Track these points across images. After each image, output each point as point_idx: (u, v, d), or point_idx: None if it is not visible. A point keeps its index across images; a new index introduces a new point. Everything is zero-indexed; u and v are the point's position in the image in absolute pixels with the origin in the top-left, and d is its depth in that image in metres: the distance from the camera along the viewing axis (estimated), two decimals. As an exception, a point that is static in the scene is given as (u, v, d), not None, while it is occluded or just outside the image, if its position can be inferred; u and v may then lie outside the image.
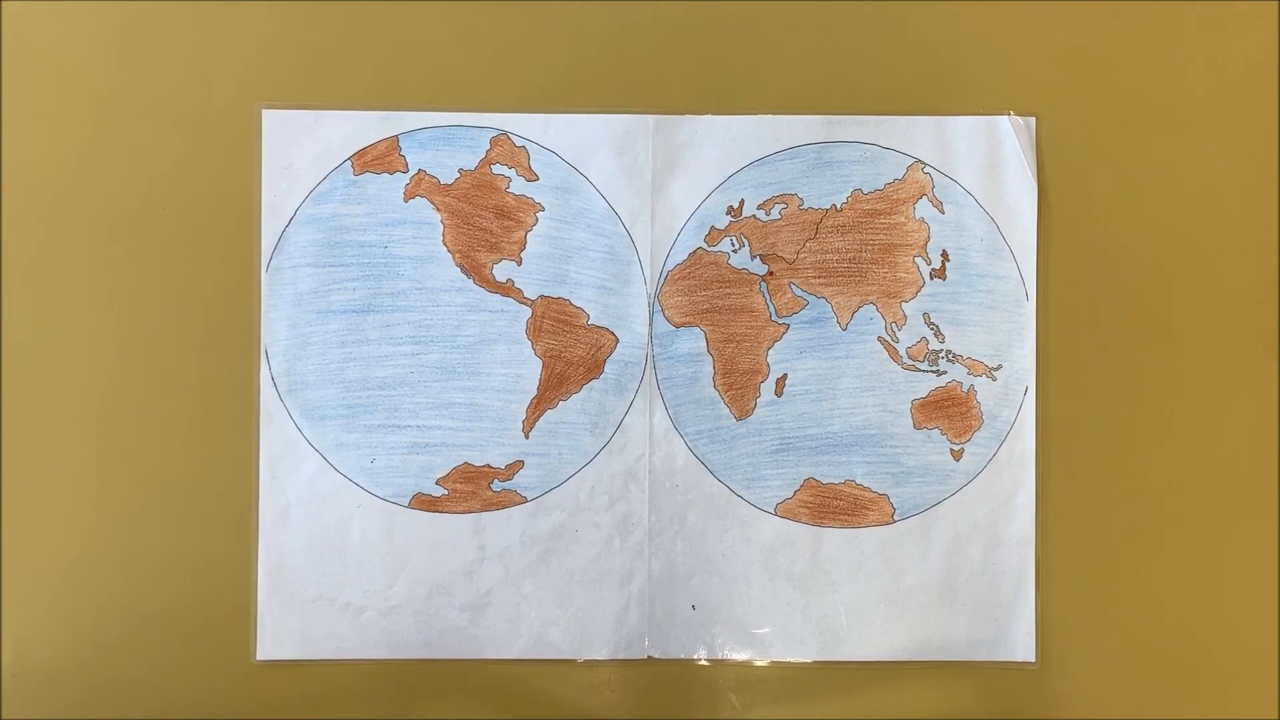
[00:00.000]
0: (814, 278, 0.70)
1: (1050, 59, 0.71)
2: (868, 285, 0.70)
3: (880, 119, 0.70)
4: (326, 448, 0.69)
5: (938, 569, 0.70)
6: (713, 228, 0.70)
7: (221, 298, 0.69)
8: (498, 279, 0.70)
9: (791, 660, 0.69)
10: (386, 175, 0.70)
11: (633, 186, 0.70)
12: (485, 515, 0.69)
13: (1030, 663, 0.69)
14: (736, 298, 0.70)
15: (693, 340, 0.70)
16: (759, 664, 0.69)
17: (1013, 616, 0.69)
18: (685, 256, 0.70)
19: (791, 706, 0.69)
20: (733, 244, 0.70)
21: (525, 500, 0.69)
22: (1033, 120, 0.70)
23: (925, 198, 0.70)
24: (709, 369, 0.70)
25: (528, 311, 0.70)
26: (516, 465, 0.70)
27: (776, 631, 0.69)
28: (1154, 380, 0.70)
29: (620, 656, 0.69)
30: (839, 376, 0.70)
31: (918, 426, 0.70)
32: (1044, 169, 0.70)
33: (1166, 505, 0.70)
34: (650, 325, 0.70)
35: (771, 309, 0.70)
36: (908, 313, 0.70)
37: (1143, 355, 0.70)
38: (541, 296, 0.70)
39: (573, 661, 0.69)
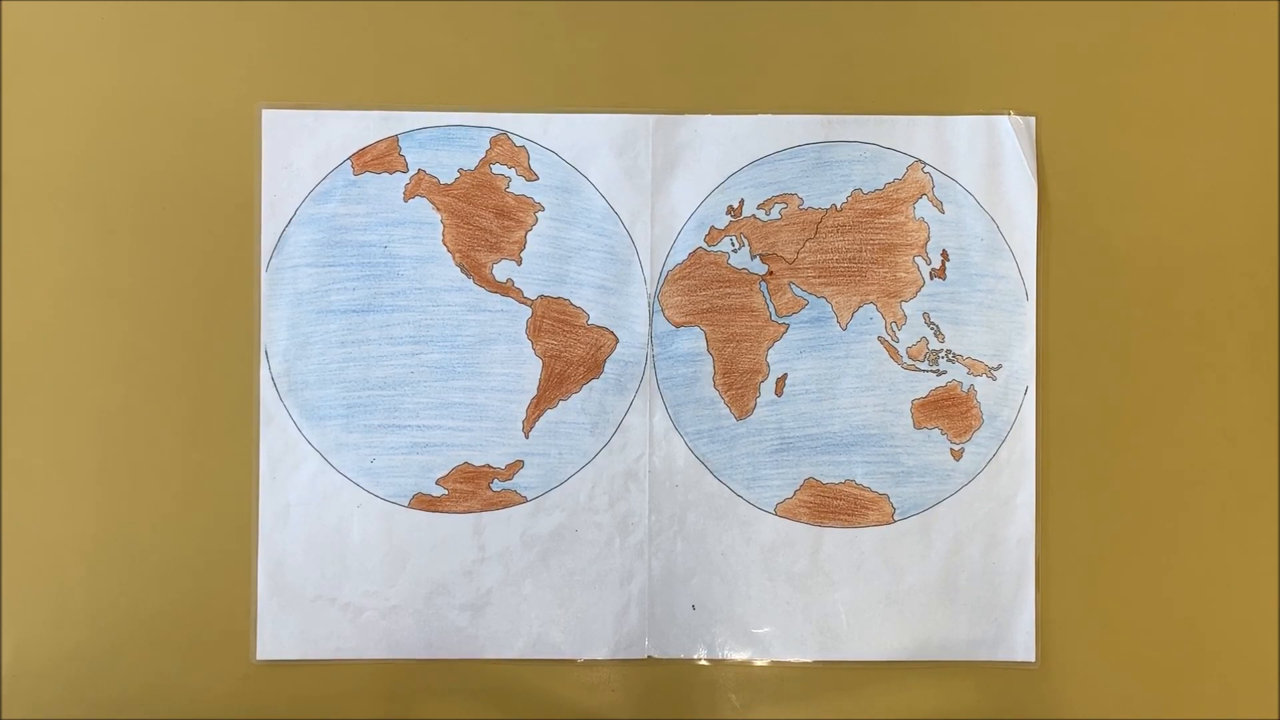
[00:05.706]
0: (814, 277, 0.70)
1: (1050, 59, 0.71)
2: (868, 285, 0.70)
3: (880, 119, 0.70)
4: (326, 448, 0.69)
5: (938, 569, 0.70)
6: (713, 227, 0.70)
7: (221, 297, 0.69)
8: (498, 279, 0.70)
9: (791, 660, 0.69)
10: (386, 175, 0.70)
11: (633, 186, 0.70)
12: (485, 515, 0.69)
13: (1030, 663, 0.69)
14: (736, 297, 0.70)
15: (693, 340, 0.70)
16: (759, 664, 0.69)
17: (1012, 616, 0.69)
18: (685, 256, 0.70)
19: (791, 706, 0.69)
20: (733, 244, 0.70)
21: (525, 500, 0.69)
22: (1033, 120, 0.70)
23: (925, 197, 0.70)
24: (709, 369, 0.70)
25: (528, 311, 0.70)
26: (516, 465, 0.70)
27: (776, 631, 0.69)
28: (1154, 380, 0.70)
29: (620, 656, 0.69)
30: (839, 376, 0.70)
31: (918, 426, 0.70)
32: (1044, 169, 0.70)
33: (1166, 505, 0.70)
34: (650, 325, 0.70)
35: (771, 309, 0.70)
36: (908, 312, 0.70)
37: (1143, 355, 0.70)
38: (541, 296, 0.70)
39: (573, 661, 0.69)
